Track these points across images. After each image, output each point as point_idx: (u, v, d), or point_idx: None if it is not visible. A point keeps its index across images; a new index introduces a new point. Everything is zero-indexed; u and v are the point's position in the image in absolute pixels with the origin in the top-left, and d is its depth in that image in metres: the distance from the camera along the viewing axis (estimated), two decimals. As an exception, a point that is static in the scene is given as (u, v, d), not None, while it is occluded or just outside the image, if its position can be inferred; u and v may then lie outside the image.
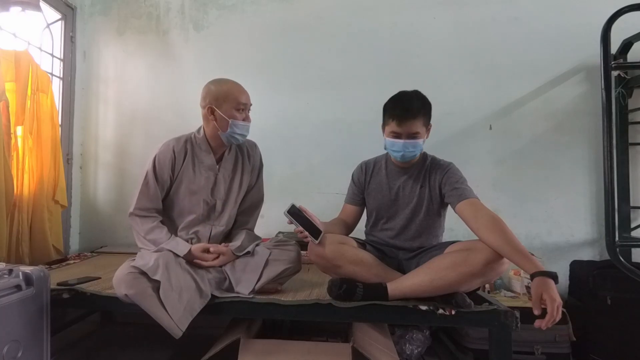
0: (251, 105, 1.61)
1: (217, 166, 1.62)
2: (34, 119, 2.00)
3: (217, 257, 1.53)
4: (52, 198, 2.10)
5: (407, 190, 1.60)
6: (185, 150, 1.58)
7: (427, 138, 1.57)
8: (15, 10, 1.84)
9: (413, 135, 1.49)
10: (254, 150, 1.73)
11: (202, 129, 1.62)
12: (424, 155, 1.63)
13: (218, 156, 1.63)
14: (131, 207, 1.56)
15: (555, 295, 1.16)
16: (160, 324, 1.28)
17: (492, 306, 1.39)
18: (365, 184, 1.68)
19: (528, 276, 1.96)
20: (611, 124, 1.82)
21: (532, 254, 1.91)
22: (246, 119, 1.57)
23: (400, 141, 1.49)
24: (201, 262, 1.50)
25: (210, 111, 1.54)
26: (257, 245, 1.62)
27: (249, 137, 1.66)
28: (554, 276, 1.20)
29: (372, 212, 1.67)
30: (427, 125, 1.54)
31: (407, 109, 1.48)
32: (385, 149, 1.58)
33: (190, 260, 1.49)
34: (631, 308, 1.84)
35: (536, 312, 1.18)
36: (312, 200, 2.37)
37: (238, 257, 1.57)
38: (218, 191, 1.61)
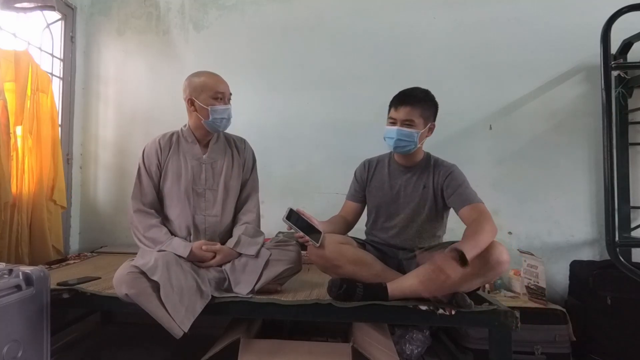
0: (230, 94, 1.64)
1: (203, 155, 1.64)
2: (33, 118, 2.00)
3: (214, 256, 1.53)
4: (50, 198, 2.10)
5: (408, 190, 1.60)
6: (170, 142, 1.65)
7: (428, 136, 1.58)
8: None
9: (407, 123, 1.50)
10: (244, 144, 1.75)
11: (187, 122, 1.67)
12: (428, 156, 1.63)
13: (203, 145, 1.66)
14: (131, 205, 1.59)
15: (439, 261, 1.20)
16: (160, 324, 1.28)
17: (492, 306, 1.38)
18: (367, 181, 1.68)
19: (528, 276, 1.97)
20: (611, 124, 1.82)
21: (532, 254, 1.93)
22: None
23: (395, 128, 1.51)
24: (203, 259, 1.50)
25: (190, 102, 1.60)
26: (262, 246, 1.58)
27: (244, 135, 1.69)
28: (460, 256, 1.19)
29: (372, 210, 1.67)
30: (427, 119, 1.54)
31: (406, 95, 1.53)
32: (384, 140, 1.57)
33: (192, 260, 1.49)
34: (631, 308, 1.84)
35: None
36: (312, 201, 2.37)
37: (239, 254, 1.55)
38: (205, 178, 1.63)
